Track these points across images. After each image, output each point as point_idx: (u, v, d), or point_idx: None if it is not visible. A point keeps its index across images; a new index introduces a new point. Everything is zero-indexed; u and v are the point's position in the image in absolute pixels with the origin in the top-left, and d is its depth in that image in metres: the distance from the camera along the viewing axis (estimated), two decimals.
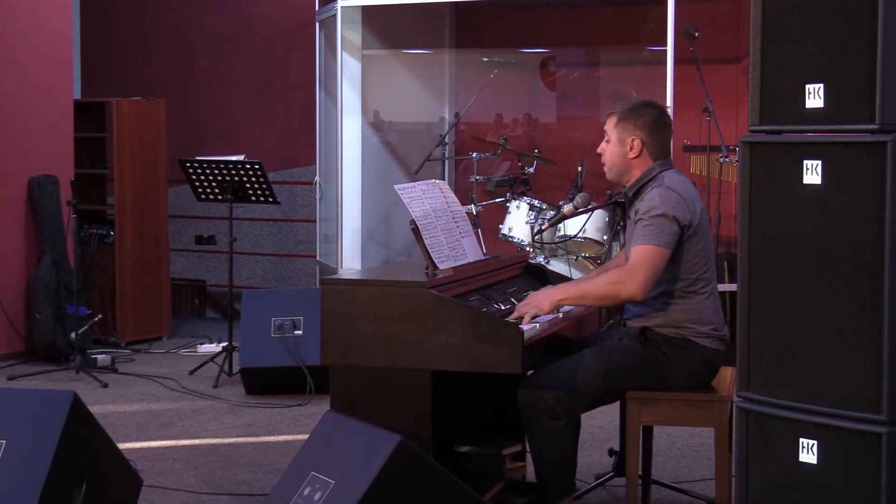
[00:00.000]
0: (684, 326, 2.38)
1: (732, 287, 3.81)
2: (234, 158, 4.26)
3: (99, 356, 4.47)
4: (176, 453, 3.21)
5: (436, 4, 5.33)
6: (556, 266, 4.28)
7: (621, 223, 2.69)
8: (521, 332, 2.18)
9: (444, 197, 2.55)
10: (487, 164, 5.14)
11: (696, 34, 4.32)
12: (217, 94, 5.85)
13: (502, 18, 5.56)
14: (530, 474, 2.58)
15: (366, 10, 5.04)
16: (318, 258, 5.36)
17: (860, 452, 1.71)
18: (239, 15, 5.80)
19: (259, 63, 5.77)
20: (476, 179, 4.74)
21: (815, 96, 1.76)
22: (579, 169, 4.51)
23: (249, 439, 3.38)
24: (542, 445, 2.35)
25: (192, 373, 4.30)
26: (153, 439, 3.37)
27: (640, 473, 2.55)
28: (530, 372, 2.43)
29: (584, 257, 4.41)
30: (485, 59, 5.30)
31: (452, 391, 2.40)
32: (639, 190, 2.41)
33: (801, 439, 1.77)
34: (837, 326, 1.74)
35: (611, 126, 2.44)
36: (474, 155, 4.85)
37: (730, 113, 4.70)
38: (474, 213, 4.58)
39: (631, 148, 2.41)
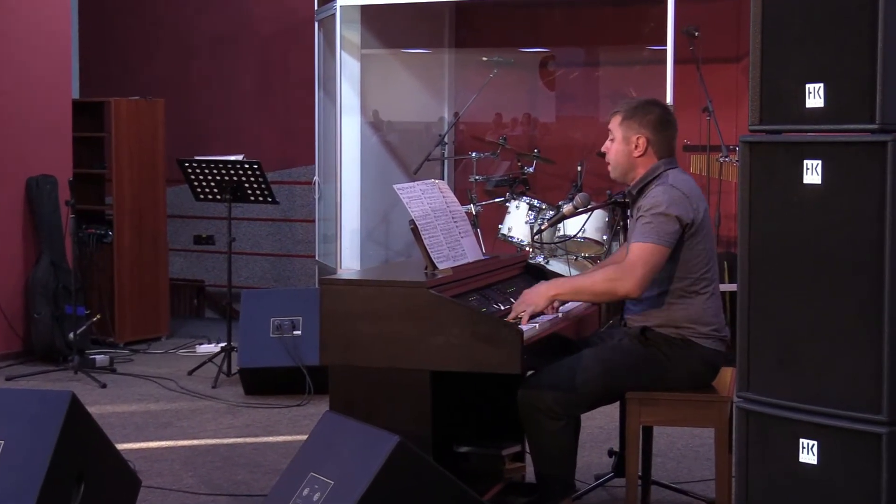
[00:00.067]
0: (685, 327, 2.37)
1: (732, 287, 3.81)
2: (232, 158, 4.25)
3: (97, 356, 4.46)
4: (174, 454, 3.21)
5: (435, 4, 5.33)
6: (556, 266, 4.28)
7: (621, 223, 2.68)
8: (521, 333, 2.18)
9: (444, 197, 2.55)
10: (487, 164, 5.13)
11: (696, 34, 4.32)
12: (216, 94, 5.84)
13: (502, 18, 5.56)
14: (530, 475, 2.58)
15: (365, 9, 5.04)
16: (317, 258, 5.36)
17: (860, 453, 1.71)
18: (238, 14, 5.79)
19: (258, 63, 5.77)
20: (475, 179, 4.73)
21: (815, 96, 1.76)
22: (579, 169, 4.51)
23: (248, 440, 3.38)
24: (542, 446, 2.35)
25: (190, 373, 4.30)
26: (152, 440, 3.37)
27: (639, 474, 2.55)
28: (530, 372, 2.42)
29: (584, 257, 4.41)
30: (484, 59, 5.30)
31: (452, 391, 2.40)
32: (643, 188, 2.41)
33: (801, 440, 1.77)
34: (837, 326, 1.74)
35: (615, 124, 2.43)
36: (473, 155, 4.84)
37: (730, 112, 4.70)
38: (473, 212, 4.57)
39: (636, 146, 2.41)
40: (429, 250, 2.38)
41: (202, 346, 4.82)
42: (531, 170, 4.74)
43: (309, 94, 5.35)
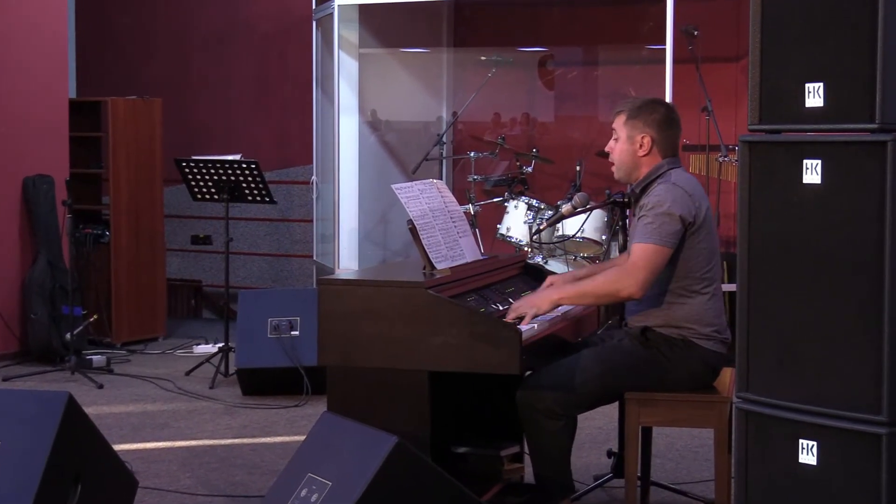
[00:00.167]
0: (685, 327, 2.37)
1: (732, 287, 3.80)
2: (230, 158, 4.24)
3: (94, 357, 4.45)
4: (172, 454, 3.20)
5: (433, 3, 5.32)
6: (555, 266, 4.27)
7: (620, 223, 2.68)
8: (520, 333, 2.17)
9: (442, 197, 2.54)
10: (485, 164, 5.13)
11: (696, 33, 4.31)
12: (213, 94, 5.83)
13: (500, 17, 5.56)
14: (528, 476, 2.57)
15: (363, 8, 5.03)
16: (314, 258, 5.35)
17: (860, 453, 1.71)
18: (235, 14, 5.78)
19: (255, 62, 5.76)
20: (474, 179, 4.73)
21: (814, 95, 1.76)
22: (578, 168, 4.50)
23: (246, 440, 3.37)
24: (542, 446, 2.34)
25: (188, 374, 4.29)
26: (149, 440, 3.36)
27: (638, 475, 2.54)
28: (528, 373, 2.41)
29: (583, 257, 4.40)
30: (483, 58, 5.29)
31: (450, 392, 2.39)
32: (646, 187, 2.41)
33: (801, 440, 1.77)
34: (837, 326, 1.74)
35: (620, 124, 2.43)
36: (472, 154, 4.84)
37: (729, 112, 4.70)
38: (472, 212, 4.57)
39: (640, 146, 2.40)
40: (427, 250, 2.37)
41: (199, 346, 4.81)
42: (530, 169, 4.73)
43: (307, 94, 5.34)
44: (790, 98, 1.78)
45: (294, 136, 5.60)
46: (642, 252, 2.30)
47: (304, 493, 2.03)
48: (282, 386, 3.88)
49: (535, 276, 2.73)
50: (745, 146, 1.84)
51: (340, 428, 2.14)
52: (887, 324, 1.68)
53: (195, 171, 4.24)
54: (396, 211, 4.88)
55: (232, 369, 4.10)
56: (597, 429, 3.36)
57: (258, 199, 4.27)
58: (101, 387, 4.08)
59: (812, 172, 1.76)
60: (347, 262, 4.98)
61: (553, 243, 4.32)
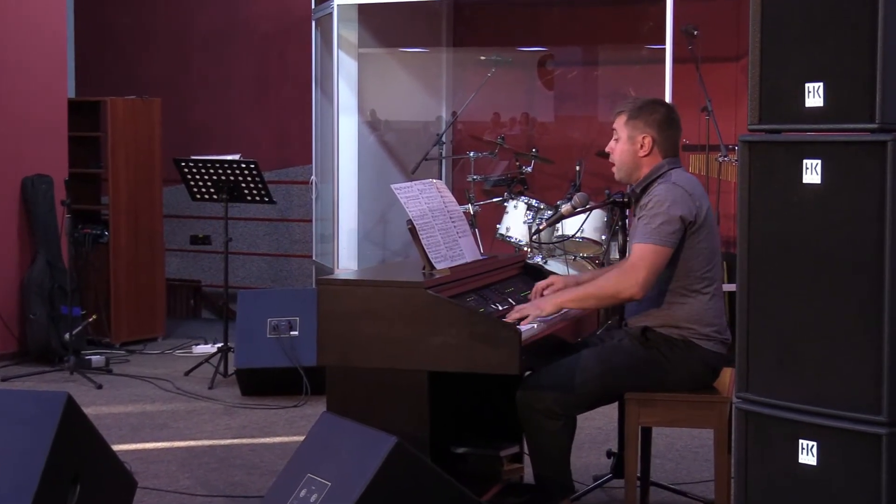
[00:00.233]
0: (685, 327, 2.36)
1: (732, 287, 3.80)
2: (229, 158, 4.24)
3: (93, 357, 4.44)
4: (171, 455, 3.20)
5: (433, 2, 5.32)
6: (554, 266, 4.26)
7: (619, 223, 2.68)
8: (519, 333, 2.17)
9: (442, 196, 2.54)
10: (485, 164, 5.12)
11: (695, 32, 4.31)
12: (212, 93, 5.83)
13: (500, 16, 5.55)
14: (528, 476, 2.57)
15: (362, 8, 5.02)
16: (314, 258, 5.35)
17: (860, 454, 1.71)
18: (234, 13, 5.78)
19: (255, 62, 5.75)
20: (473, 179, 4.73)
21: (814, 95, 1.75)
22: (577, 168, 4.50)
23: (245, 441, 3.36)
24: (541, 446, 2.34)
25: (187, 374, 4.28)
26: (148, 441, 3.35)
27: (638, 475, 2.54)
28: (528, 373, 2.41)
29: (582, 257, 4.40)
30: (482, 58, 5.29)
31: (450, 392, 2.39)
32: (646, 187, 2.40)
33: (801, 440, 1.76)
34: (837, 326, 1.74)
35: (620, 124, 2.43)
36: (471, 154, 4.83)
37: (729, 112, 4.70)
38: (471, 212, 4.56)
39: (641, 146, 2.40)
40: (426, 250, 2.37)
41: (199, 346, 4.81)
42: (529, 169, 4.73)
43: (306, 94, 5.33)
44: (790, 98, 1.78)
45: (293, 136, 5.60)
46: (642, 252, 2.29)
47: (303, 493, 2.02)
48: (281, 386, 3.87)
49: (535, 277, 2.73)
50: (745, 146, 1.84)
51: (340, 428, 2.13)
52: (887, 324, 1.68)
53: (194, 170, 4.23)
54: (396, 211, 4.87)
55: (231, 369, 4.10)
56: (596, 429, 3.36)
57: (257, 199, 4.27)
58: (100, 387, 4.08)
59: (812, 172, 1.76)
60: (347, 262, 4.98)
61: (553, 243, 4.32)
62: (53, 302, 4.50)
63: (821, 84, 1.74)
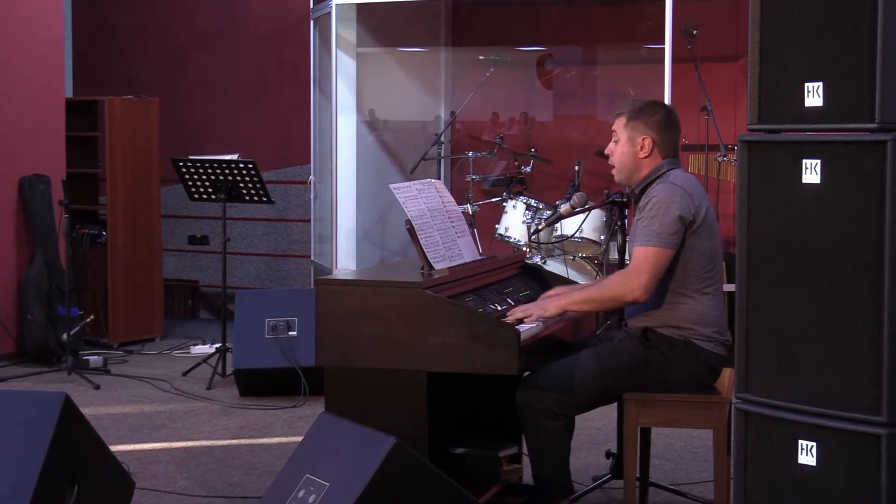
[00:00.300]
0: (686, 327, 2.36)
1: (731, 287, 3.80)
2: (227, 158, 4.23)
3: (91, 357, 4.43)
4: (169, 455, 3.19)
5: (431, 2, 5.32)
6: (553, 266, 4.26)
7: (618, 223, 2.67)
8: (518, 333, 2.16)
9: (440, 196, 2.53)
10: (483, 164, 5.12)
11: (695, 32, 4.31)
12: (211, 93, 5.82)
13: (499, 16, 5.55)
14: (527, 477, 2.56)
15: (361, 7, 5.02)
16: (312, 258, 5.34)
17: (859, 454, 1.70)
18: (233, 13, 5.77)
19: (253, 61, 5.74)
20: (472, 179, 4.72)
21: (814, 95, 1.75)
22: (576, 168, 4.49)
23: (243, 441, 3.36)
24: (541, 446, 2.33)
25: (185, 374, 4.27)
26: (146, 441, 3.35)
27: (637, 475, 2.54)
28: (526, 373, 2.41)
29: (581, 257, 4.40)
30: (481, 57, 5.29)
31: (448, 393, 2.38)
32: (645, 187, 2.40)
33: (801, 441, 1.76)
34: (837, 326, 1.73)
35: (620, 126, 2.42)
36: (470, 154, 4.83)
37: (728, 111, 4.70)
38: (470, 212, 4.56)
39: (641, 147, 2.40)
40: (425, 250, 2.36)
41: (197, 346, 4.80)
42: (528, 169, 4.72)
43: (304, 93, 5.33)
44: (789, 97, 1.78)
45: (292, 136, 5.59)
46: (644, 255, 2.29)
47: (301, 494, 2.02)
48: (279, 386, 3.87)
49: (534, 277, 2.73)
50: (745, 146, 1.84)
51: (338, 429, 2.13)
52: (887, 324, 1.68)
53: (192, 170, 4.23)
54: (394, 211, 4.87)
55: (229, 370, 4.09)
56: (595, 430, 3.36)
57: (255, 198, 4.26)
58: (97, 387, 4.07)
59: (811, 172, 1.76)
60: (345, 263, 4.97)
61: (552, 243, 4.31)
62: (51, 302, 4.49)
63: (820, 84, 1.74)
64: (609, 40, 5.31)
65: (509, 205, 4.47)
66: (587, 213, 3.83)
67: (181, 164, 4.24)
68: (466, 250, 2.51)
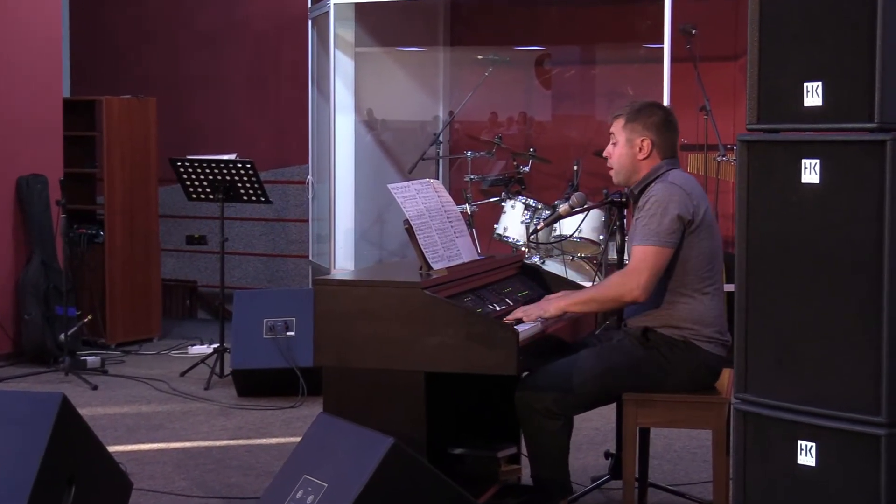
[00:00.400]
0: (686, 328, 2.35)
1: (730, 287, 3.80)
2: (225, 157, 4.23)
3: (88, 358, 4.43)
4: (166, 456, 3.18)
5: (430, 1, 5.31)
6: (552, 266, 4.26)
7: (617, 223, 2.67)
8: (517, 334, 2.16)
9: (439, 196, 2.53)
10: (482, 163, 5.12)
11: (694, 32, 4.31)
12: (208, 93, 5.81)
13: (497, 15, 5.55)
14: (525, 477, 2.56)
15: (359, 6, 5.01)
16: (310, 258, 5.33)
17: (859, 454, 1.70)
18: (230, 12, 5.76)
19: (251, 61, 5.74)
20: (471, 178, 4.72)
21: (813, 94, 1.75)
22: (575, 168, 4.49)
23: (241, 442, 3.35)
24: (541, 446, 2.33)
25: (182, 374, 4.27)
26: (143, 442, 3.34)
27: (636, 476, 2.53)
28: (525, 373, 2.40)
29: (580, 257, 4.39)
30: (479, 57, 5.28)
31: (447, 393, 2.38)
32: (644, 187, 2.40)
33: (800, 441, 1.76)
34: (836, 326, 1.73)
35: (618, 128, 2.42)
36: (469, 154, 4.83)
37: (727, 111, 4.70)
38: (469, 212, 4.56)
39: (640, 149, 2.40)
40: (423, 250, 2.36)
41: (194, 347, 4.79)
42: (527, 169, 4.72)
43: (302, 93, 5.32)
44: (789, 97, 1.78)
45: (290, 136, 5.59)
46: (642, 254, 2.29)
47: (299, 494, 2.01)
48: (277, 387, 3.86)
49: (533, 277, 2.72)
50: (744, 145, 1.83)
51: (336, 429, 2.12)
52: (886, 324, 1.68)
53: (190, 170, 4.22)
54: (393, 211, 4.86)
55: (227, 370, 4.09)
56: (594, 430, 3.35)
57: (253, 198, 4.25)
58: (95, 388, 4.06)
59: (811, 172, 1.76)
60: (343, 263, 4.97)
61: (550, 243, 4.31)
62: (48, 302, 4.48)
63: (819, 83, 1.74)
64: (608, 40, 5.31)
65: (508, 205, 4.47)
66: (586, 213, 3.82)
67: (179, 163, 4.23)
68: (465, 250, 2.50)
